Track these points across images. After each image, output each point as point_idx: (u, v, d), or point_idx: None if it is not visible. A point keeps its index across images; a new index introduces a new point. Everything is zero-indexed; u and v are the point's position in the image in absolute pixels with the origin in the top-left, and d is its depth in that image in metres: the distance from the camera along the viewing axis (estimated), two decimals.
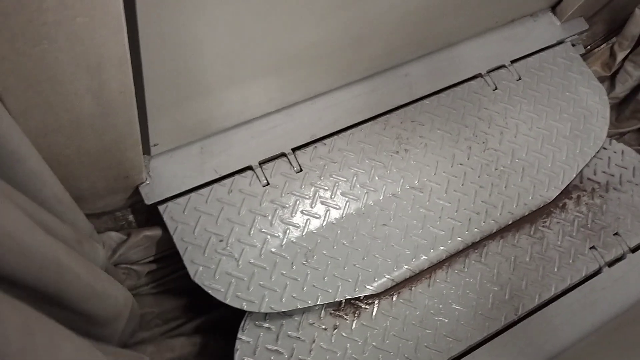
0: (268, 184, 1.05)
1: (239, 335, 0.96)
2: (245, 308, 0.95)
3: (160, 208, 0.98)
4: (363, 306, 1.04)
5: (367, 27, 1.00)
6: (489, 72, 1.26)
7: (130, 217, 1.03)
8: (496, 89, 1.25)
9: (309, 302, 0.99)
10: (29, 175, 0.61)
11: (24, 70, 0.59)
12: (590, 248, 1.18)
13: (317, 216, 1.05)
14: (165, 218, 0.98)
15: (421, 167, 1.14)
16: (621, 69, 1.39)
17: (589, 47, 1.45)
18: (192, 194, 1.01)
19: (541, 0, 1.29)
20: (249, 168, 1.05)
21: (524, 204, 1.16)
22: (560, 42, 1.33)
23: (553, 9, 1.34)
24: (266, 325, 0.98)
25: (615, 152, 1.29)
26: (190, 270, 0.95)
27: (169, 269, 1.11)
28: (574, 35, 1.33)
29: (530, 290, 1.11)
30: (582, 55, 1.33)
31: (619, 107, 1.47)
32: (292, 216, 1.04)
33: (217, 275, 0.96)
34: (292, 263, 1.00)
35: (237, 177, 1.04)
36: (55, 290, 0.57)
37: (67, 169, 0.79)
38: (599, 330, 1.10)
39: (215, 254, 0.97)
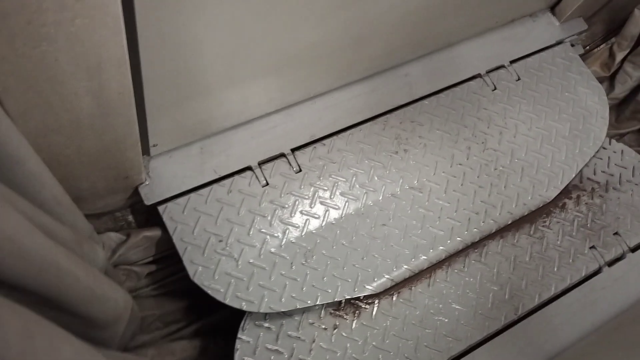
0: (267, 184, 1.05)
1: (239, 335, 0.97)
2: (244, 308, 0.96)
3: (160, 208, 0.98)
4: (363, 306, 1.04)
5: (367, 27, 1.00)
6: (488, 72, 1.26)
7: (130, 218, 1.03)
8: (495, 89, 1.25)
9: (309, 302, 0.99)
10: (28, 176, 0.61)
11: (23, 71, 0.60)
12: (590, 248, 1.18)
13: (317, 216, 1.05)
14: (165, 218, 0.98)
15: (420, 167, 1.14)
16: (620, 69, 1.39)
17: (588, 47, 1.45)
18: (192, 195, 1.01)
19: (540, 0, 1.29)
20: (249, 168, 1.05)
21: (523, 203, 1.16)
22: (559, 43, 1.33)
23: (552, 9, 1.34)
24: (266, 325, 0.98)
25: (614, 152, 1.29)
26: (190, 270, 0.96)
27: (169, 270, 1.11)
28: (573, 35, 1.33)
29: (530, 289, 1.12)
30: (581, 56, 1.33)
31: (618, 108, 1.47)
32: (291, 216, 1.04)
33: (216, 276, 0.96)
34: (292, 263, 1.01)
35: (236, 177, 1.04)
36: (55, 293, 0.57)
37: (67, 169, 0.80)
38: (599, 330, 1.10)
39: (214, 254, 0.98)
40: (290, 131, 1.09)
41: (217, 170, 1.03)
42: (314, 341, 0.99)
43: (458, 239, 1.10)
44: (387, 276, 1.04)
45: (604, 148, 1.29)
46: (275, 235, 1.02)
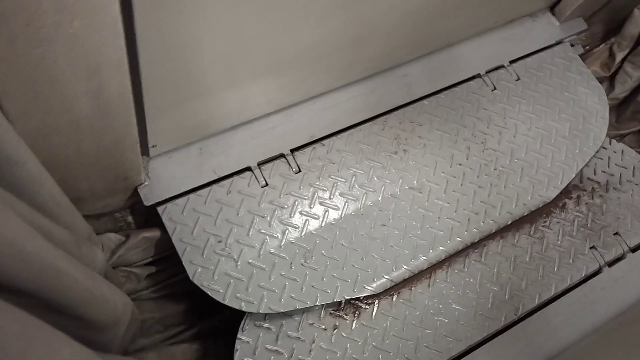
0: (267, 184, 1.05)
1: (238, 336, 0.97)
2: (244, 309, 0.96)
3: (159, 209, 0.99)
4: (363, 306, 1.04)
5: (366, 27, 1.00)
6: (487, 72, 1.26)
7: (130, 218, 1.04)
8: (495, 89, 1.25)
9: (308, 302, 0.99)
10: (27, 178, 0.61)
11: (23, 73, 0.60)
12: (590, 248, 1.18)
13: (316, 217, 1.05)
14: (164, 219, 0.98)
15: (420, 167, 1.14)
16: (620, 69, 1.39)
17: (587, 47, 1.45)
18: (191, 195, 1.01)
19: (540, 0, 1.29)
20: (248, 169, 1.05)
21: (523, 204, 1.16)
22: (559, 42, 1.33)
23: (552, 9, 1.34)
24: (266, 325, 0.98)
25: (615, 152, 1.29)
26: (189, 271, 0.96)
27: (168, 272, 1.12)
28: (573, 35, 1.33)
29: (530, 290, 1.12)
30: (581, 56, 1.33)
31: (618, 109, 1.47)
32: (290, 217, 1.04)
33: (215, 276, 0.96)
34: (291, 264, 1.01)
35: (235, 178, 1.04)
36: (54, 295, 0.57)
37: (66, 170, 0.80)
38: (599, 330, 1.10)
39: (214, 254, 0.98)
40: (290, 132, 1.09)
41: (216, 170, 1.03)
42: (313, 341, 0.99)
43: (458, 239, 1.10)
44: (386, 276, 1.04)
45: (604, 148, 1.29)
46: (275, 235, 1.02)
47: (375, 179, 1.11)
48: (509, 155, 1.20)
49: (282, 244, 1.02)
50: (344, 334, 1.01)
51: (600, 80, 1.39)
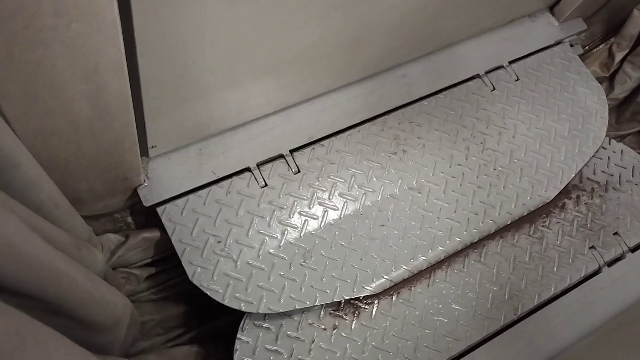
0: (266, 185, 1.06)
1: (238, 335, 0.97)
2: (243, 309, 0.96)
3: (159, 210, 0.99)
4: (362, 306, 1.05)
5: (366, 28, 1.00)
6: (487, 72, 1.26)
7: (129, 219, 1.04)
8: (494, 89, 1.25)
9: (307, 302, 0.99)
10: (26, 180, 0.62)
11: (21, 76, 0.60)
12: (590, 248, 1.18)
13: (315, 217, 1.06)
14: (164, 219, 0.98)
15: (419, 167, 1.14)
16: (620, 70, 1.39)
17: (587, 47, 1.45)
18: (190, 196, 1.01)
19: (539, 0, 1.29)
20: (247, 169, 1.06)
21: (522, 204, 1.16)
22: (558, 43, 1.33)
23: (551, 9, 1.34)
24: (266, 325, 0.99)
25: (614, 152, 1.29)
26: (189, 271, 0.96)
27: (168, 274, 1.12)
28: (572, 35, 1.33)
29: (530, 290, 1.12)
30: (580, 56, 1.33)
31: (618, 109, 1.46)
32: (290, 217, 1.04)
33: (215, 276, 0.97)
34: (290, 264, 1.01)
35: (235, 178, 1.05)
36: (53, 297, 0.58)
37: (65, 171, 0.80)
38: (599, 330, 1.10)
39: (213, 255, 0.98)
40: (289, 132, 1.10)
41: (215, 171, 1.04)
42: (313, 341, 1.00)
43: (457, 239, 1.11)
44: (386, 277, 1.04)
45: (604, 148, 1.29)
46: (274, 236, 1.02)
47: (375, 179, 1.11)
48: (508, 155, 1.20)
49: (282, 244, 1.02)
50: (343, 334, 1.01)
51: (600, 80, 1.39)
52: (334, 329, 1.01)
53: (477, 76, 1.25)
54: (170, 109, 0.91)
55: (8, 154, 0.56)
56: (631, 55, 1.36)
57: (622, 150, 1.30)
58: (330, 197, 1.08)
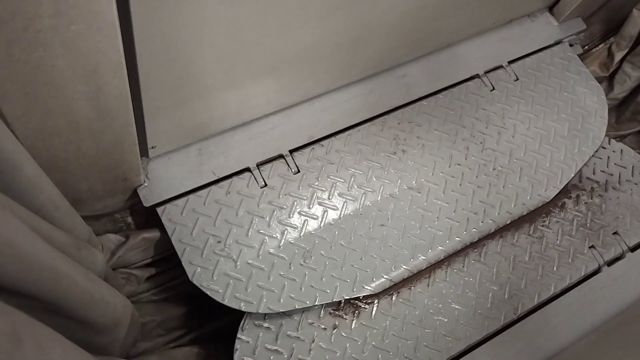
0: (266, 185, 1.06)
1: (238, 335, 0.97)
2: (243, 309, 0.96)
3: (159, 210, 0.99)
4: (362, 306, 1.05)
5: (365, 28, 1.01)
6: (486, 72, 1.26)
7: (129, 219, 1.04)
8: (494, 89, 1.25)
9: (307, 302, 0.99)
10: (26, 182, 0.62)
11: (21, 76, 0.61)
12: (590, 247, 1.18)
13: (315, 217, 1.06)
14: (164, 220, 0.99)
15: (419, 167, 1.15)
16: (619, 69, 1.39)
17: (586, 47, 1.45)
18: (190, 196, 1.02)
19: (539, 0, 1.29)
20: (247, 170, 1.06)
21: (522, 203, 1.16)
22: (557, 43, 1.33)
23: (550, 9, 1.34)
24: (266, 325, 0.99)
25: (614, 152, 1.29)
26: (189, 271, 0.96)
27: (169, 275, 1.12)
28: (572, 35, 1.33)
29: (530, 289, 1.12)
30: (579, 56, 1.33)
31: (618, 109, 1.46)
32: (289, 217, 1.05)
33: (215, 276, 0.97)
34: (290, 264, 1.01)
35: (234, 178, 1.05)
36: (53, 297, 0.58)
37: (65, 171, 0.81)
38: (598, 330, 1.10)
39: (213, 255, 0.98)
40: (289, 132, 1.10)
41: (215, 171, 1.04)
42: (313, 341, 1.00)
43: (457, 239, 1.11)
44: (385, 276, 1.05)
45: (603, 147, 1.29)
46: (274, 236, 1.03)
47: (374, 179, 1.11)
48: (507, 155, 1.20)
49: (281, 244, 1.02)
50: (343, 334, 1.01)
51: (599, 80, 1.39)
52: (334, 329, 1.02)
53: (477, 76, 1.25)
54: (170, 109, 0.91)
55: (8, 156, 0.56)
56: (631, 55, 1.36)
57: (621, 150, 1.30)
58: (330, 197, 1.08)
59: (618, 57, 1.36)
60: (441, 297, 1.08)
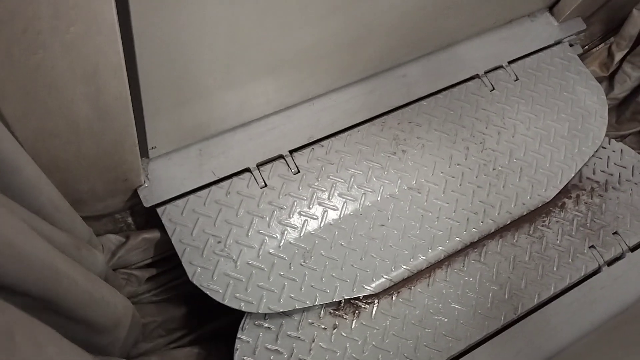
0: (266, 185, 1.06)
1: (238, 335, 0.97)
2: (243, 309, 0.96)
3: (159, 210, 1.00)
4: (362, 306, 1.05)
5: (365, 28, 1.01)
6: (486, 72, 1.26)
7: (130, 219, 1.05)
8: (494, 89, 1.25)
9: (307, 302, 0.99)
10: (26, 184, 0.62)
11: (21, 78, 0.61)
12: (590, 247, 1.18)
13: (315, 217, 1.06)
14: (164, 220, 0.99)
15: (419, 167, 1.15)
16: (619, 69, 1.39)
17: (586, 47, 1.45)
18: (191, 196, 1.02)
19: (539, 0, 1.29)
20: (247, 170, 1.06)
21: (522, 203, 1.17)
22: (557, 42, 1.33)
23: (550, 9, 1.34)
24: (266, 324, 0.99)
25: (614, 151, 1.29)
26: (189, 271, 0.97)
27: (169, 275, 1.12)
28: (572, 35, 1.33)
29: (530, 289, 1.12)
30: (579, 56, 1.33)
31: (618, 109, 1.46)
32: (289, 217, 1.05)
33: (215, 276, 0.97)
34: (290, 264, 1.01)
35: (235, 179, 1.05)
36: (53, 297, 0.58)
37: (66, 172, 0.81)
38: (598, 329, 1.10)
39: (213, 255, 0.98)
40: (289, 133, 1.10)
41: (215, 172, 1.04)
42: (313, 341, 1.00)
43: (457, 239, 1.11)
44: (385, 276, 1.05)
45: (603, 147, 1.29)
46: (274, 236, 1.03)
47: (374, 179, 1.12)
48: (507, 155, 1.20)
49: (281, 244, 1.03)
50: (343, 334, 1.02)
51: (599, 80, 1.39)
52: (334, 329, 1.02)
53: (477, 76, 1.25)
54: (170, 110, 0.91)
55: (8, 157, 0.57)
56: (631, 55, 1.36)
57: (621, 150, 1.30)
58: (330, 197, 1.08)
59: (618, 57, 1.36)
60: (441, 297, 1.08)
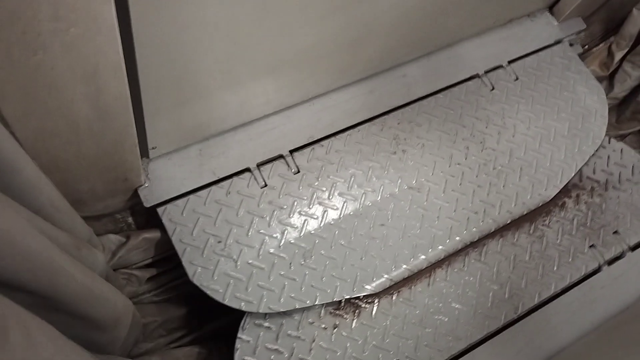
0: (266, 185, 1.06)
1: (239, 335, 0.97)
2: (243, 308, 0.96)
3: (159, 210, 1.00)
4: (363, 305, 1.05)
5: (365, 28, 1.01)
6: (486, 72, 1.26)
7: (130, 219, 1.05)
8: (494, 89, 1.25)
9: (307, 302, 1.00)
10: (26, 184, 0.62)
11: (21, 79, 0.61)
12: (590, 246, 1.18)
13: (315, 217, 1.06)
14: (164, 220, 0.99)
15: (419, 167, 1.15)
16: (619, 69, 1.39)
17: (586, 46, 1.45)
18: (191, 196, 1.02)
19: (538, 0, 1.29)
20: (247, 170, 1.06)
21: (522, 203, 1.17)
22: (557, 42, 1.33)
23: (550, 8, 1.34)
24: (266, 324, 0.99)
25: (614, 151, 1.29)
26: (189, 271, 0.97)
27: (169, 275, 1.12)
28: (572, 34, 1.33)
29: (530, 289, 1.12)
30: (579, 55, 1.33)
31: (618, 109, 1.46)
32: (289, 217, 1.05)
33: (215, 276, 0.97)
34: (290, 263, 1.02)
35: (235, 179, 1.05)
36: (52, 293, 0.58)
37: (66, 171, 0.81)
38: (599, 329, 1.10)
39: (213, 255, 0.99)
40: (289, 133, 1.10)
41: (215, 171, 1.04)
42: (314, 340, 1.00)
43: (457, 238, 1.11)
44: (386, 276, 1.05)
45: (604, 147, 1.29)
46: (274, 236, 1.03)
47: (374, 179, 1.12)
48: (508, 154, 1.20)
49: (282, 244, 1.03)
50: (344, 333, 1.02)
51: (600, 79, 1.39)
52: (335, 328, 1.02)
53: (477, 76, 1.25)
54: (170, 110, 0.91)
55: (8, 157, 0.57)
56: (631, 55, 1.36)
57: (621, 149, 1.30)
58: (330, 197, 1.08)
59: (618, 56, 1.36)
60: (441, 296, 1.08)
